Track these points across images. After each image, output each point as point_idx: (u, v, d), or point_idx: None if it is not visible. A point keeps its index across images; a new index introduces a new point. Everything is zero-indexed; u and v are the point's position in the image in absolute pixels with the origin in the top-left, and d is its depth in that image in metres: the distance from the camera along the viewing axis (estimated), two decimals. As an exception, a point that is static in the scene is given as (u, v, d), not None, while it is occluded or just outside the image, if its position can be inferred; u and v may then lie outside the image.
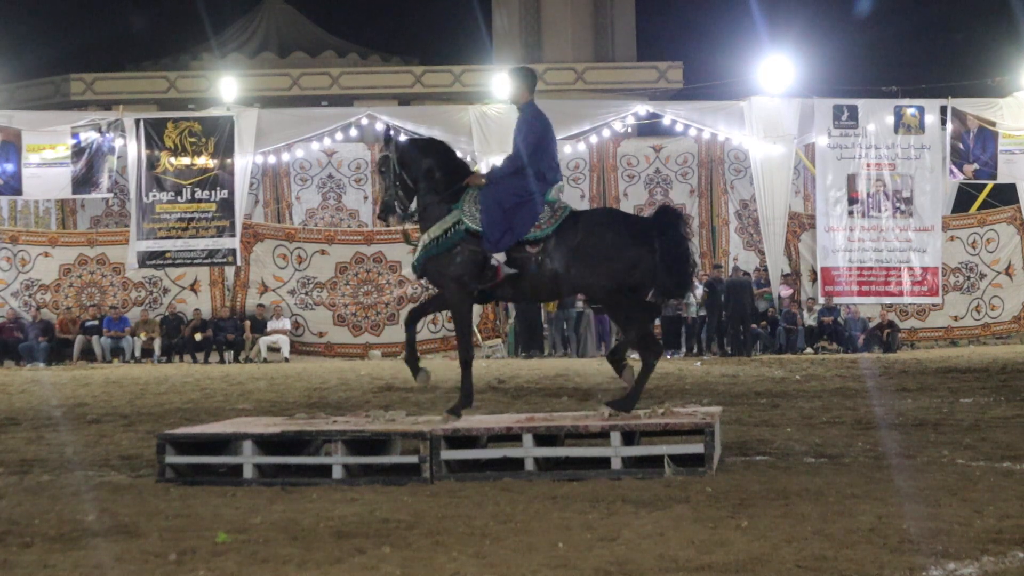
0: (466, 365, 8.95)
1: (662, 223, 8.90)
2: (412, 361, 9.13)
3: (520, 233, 8.72)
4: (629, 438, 8.19)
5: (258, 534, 6.18)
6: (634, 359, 9.06)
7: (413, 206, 9.11)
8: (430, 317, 24.63)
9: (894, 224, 26.22)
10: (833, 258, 26.20)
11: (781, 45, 29.26)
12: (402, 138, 9.55)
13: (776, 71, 26.84)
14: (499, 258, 8.71)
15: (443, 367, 20.40)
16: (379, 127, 25.44)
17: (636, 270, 8.66)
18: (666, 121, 27.05)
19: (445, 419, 8.59)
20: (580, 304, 24.65)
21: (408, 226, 9.55)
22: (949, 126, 26.34)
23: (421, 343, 24.66)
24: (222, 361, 25.07)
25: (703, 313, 25.53)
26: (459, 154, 9.59)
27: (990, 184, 27.49)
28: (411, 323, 9.19)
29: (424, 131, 25.50)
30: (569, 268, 8.68)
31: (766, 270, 26.39)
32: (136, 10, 49.52)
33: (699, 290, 25.64)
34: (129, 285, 26.07)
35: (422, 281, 8.96)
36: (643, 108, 27.45)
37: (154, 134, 25.45)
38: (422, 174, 9.04)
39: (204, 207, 25.39)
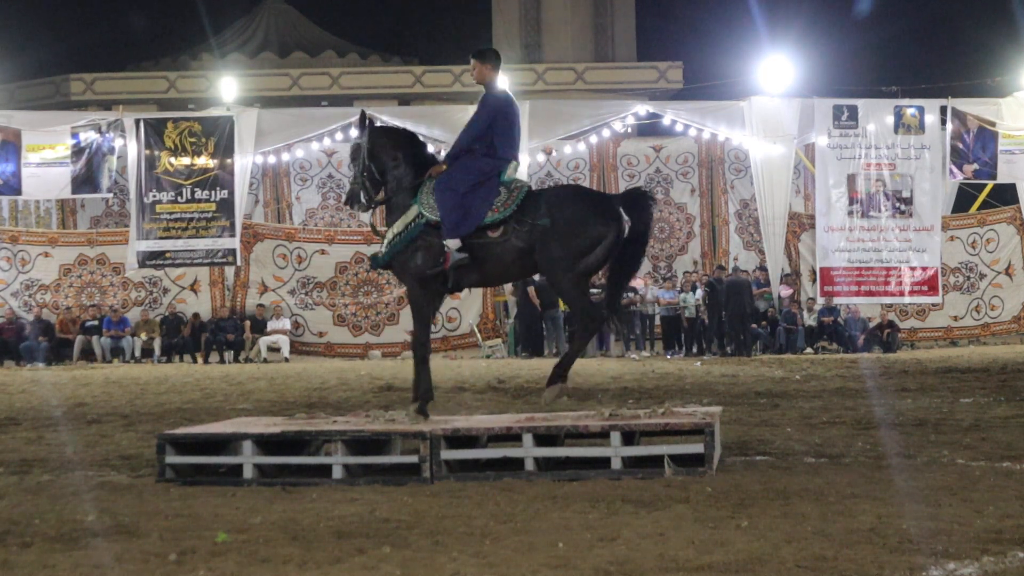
0: (423, 362, 8.89)
1: (632, 206, 8.83)
2: (425, 393, 8.96)
3: (478, 218, 8.66)
4: (629, 438, 8.18)
5: (258, 534, 6.18)
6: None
7: (379, 197, 9.14)
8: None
9: (894, 224, 26.21)
10: (833, 258, 26.19)
11: (781, 45, 29.32)
12: (379, 121, 9.53)
13: (776, 71, 26.86)
14: (452, 245, 8.68)
15: (442, 366, 20.45)
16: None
17: (595, 248, 8.62)
18: (666, 121, 27.06)
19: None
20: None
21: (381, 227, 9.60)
22: (949, 126, 26.33)
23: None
24: (222, 361, 25.07)
25: (701, 315, 25.54)
26: (431, 148, 9.59)
27: (990, 184, 27.50)
28: (424, 361, 9.06)
29: (424, 131, 25.55)
30: (533, 245, 8.64)
31: (766, 270, 26.39)
32: (136, 10, 49.53)
33: (698, 291, 25.67)
34: (129, 285, 26.08)
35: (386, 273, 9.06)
36: (643, 108, 27.45)
37: (154, 134, 25.45)
38: (390, 166, 9.05)
39: (204, 207, 25.38)
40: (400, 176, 9.03)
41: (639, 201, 8.89)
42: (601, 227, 8.62)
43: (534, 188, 9.10)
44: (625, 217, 8.80)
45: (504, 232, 8.70)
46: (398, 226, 8.89)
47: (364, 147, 9.11)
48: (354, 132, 9.52)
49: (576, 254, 8.58)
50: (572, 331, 25.27)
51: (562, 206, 8.67)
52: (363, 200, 9.13)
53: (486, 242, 8.73)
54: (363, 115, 9.41)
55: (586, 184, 27.89)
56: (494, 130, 8.87)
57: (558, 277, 8.74)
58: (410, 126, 25.27)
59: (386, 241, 8.97)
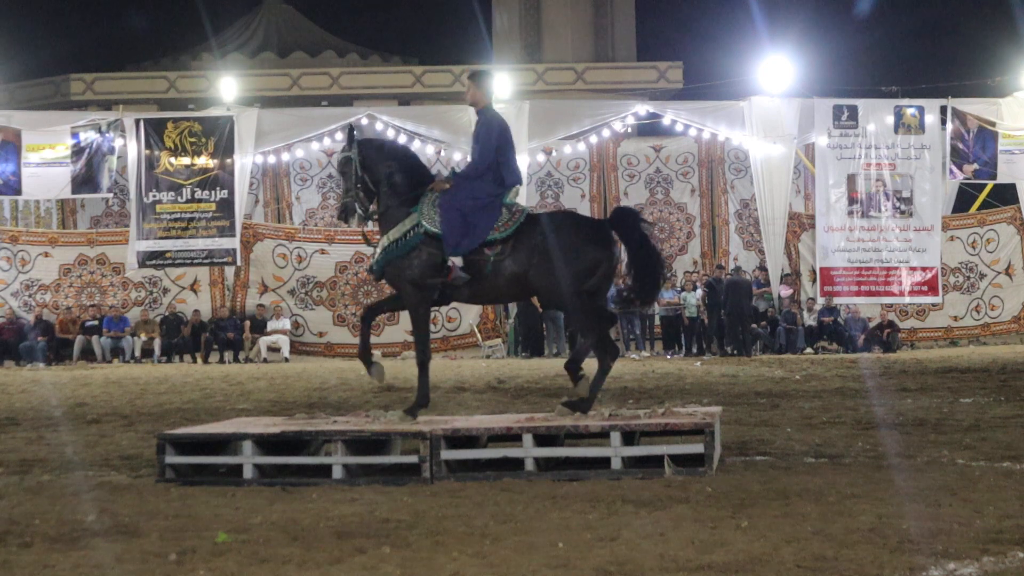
0: (423, 367, 9.01)
1: (621, 225, 8.95)
2: (366, 357, 9.12)
3: (480, 237, 8.76)
4: (629, 438, 8.18)
5: (258, 534, 6.18)
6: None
7: (372, 208, 9.17)
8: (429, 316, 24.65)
9: (894, 224, 26.22)
10: (833, 258, 26.19)
11: (781, 45, 29.32)
12: (378, 127, 9.64)
13: (776, 71, 26.86)
14: (456, 261, 8.77)
15: (442, 366, 20.45)
16: (379, 127, 25.47)
17: (595, 273, 8.72)
18: (666, 121, 27.06)
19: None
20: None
21: (368, 228, 9.64)
22: (949, 126, 26.34)
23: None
24: (222, 361, 25.07)
25: (701, 315, 25.53)
26: (422, 159, 9.64)
27: (990, 184, 27.50)
28: (367, 320, 9.23)
29: (424, 131, 25.56)
30: (528, 270, 8.74)
31: (766, 270, 26.39)
32: (136, 10, 49.55)
33: (698, 291, 25.67)
34: (129, 285, 26.08)
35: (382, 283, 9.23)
36: (643, 108, 27.45)
37: (154, 134, 25.45)
38: (384, 177, 9.10)
39: (204, 207, 25.39)
40: (396, 185, 9.08)
41: (626, 221, 9.01)
42: (597, 253, 8.75)
43: (532, 205, 9.20)
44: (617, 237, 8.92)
45: (501, 252, 8.78)
46: (394, 233, 8.93)
47: (355, 160, 9.14)
48: (329, 142, 9.58)
49: (574, 277, 8.65)
50: (572, 332, 25.30)
51: (559, 232, 8.75)
52: (359, 211, 9.15)
53: (483, 259, 8.80)
54: (350, 129, 9.49)
55: (585, 185, 27.94)
56: (499, 155, 8.97)
57: (565, 296, 8.76)
58: (410, 126, 25.39)
59: (380, 248, 9.00)
